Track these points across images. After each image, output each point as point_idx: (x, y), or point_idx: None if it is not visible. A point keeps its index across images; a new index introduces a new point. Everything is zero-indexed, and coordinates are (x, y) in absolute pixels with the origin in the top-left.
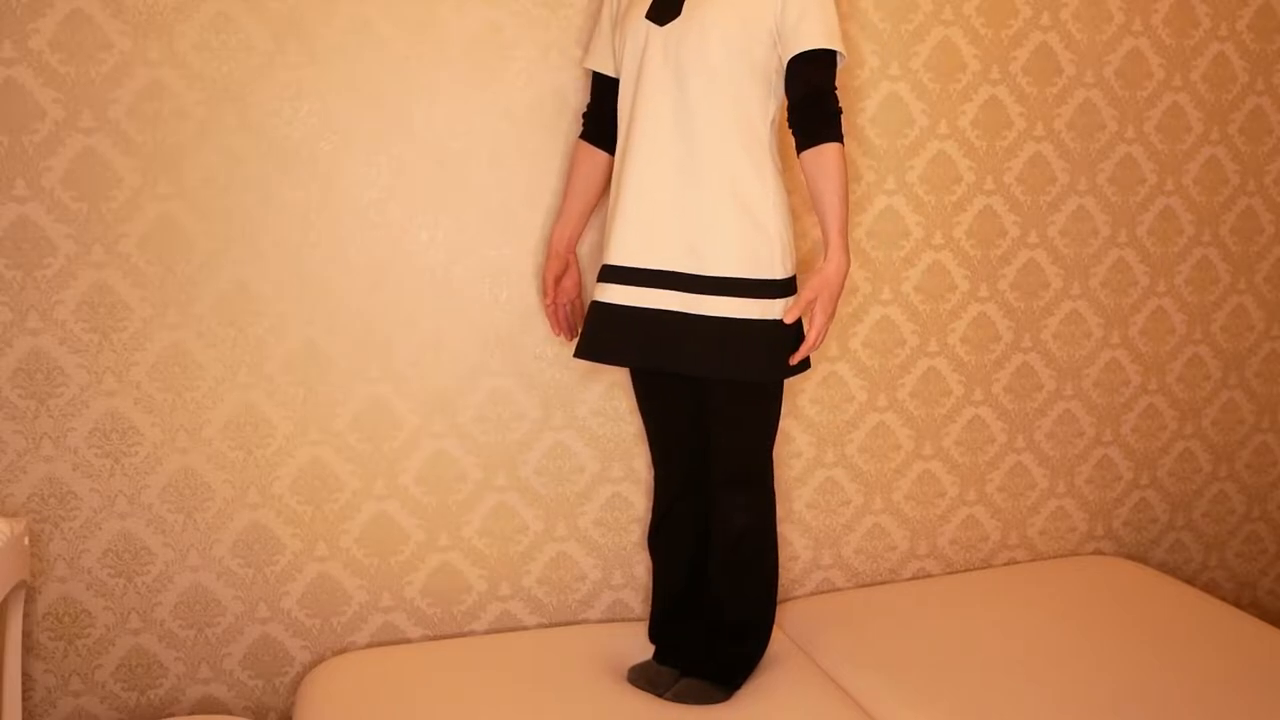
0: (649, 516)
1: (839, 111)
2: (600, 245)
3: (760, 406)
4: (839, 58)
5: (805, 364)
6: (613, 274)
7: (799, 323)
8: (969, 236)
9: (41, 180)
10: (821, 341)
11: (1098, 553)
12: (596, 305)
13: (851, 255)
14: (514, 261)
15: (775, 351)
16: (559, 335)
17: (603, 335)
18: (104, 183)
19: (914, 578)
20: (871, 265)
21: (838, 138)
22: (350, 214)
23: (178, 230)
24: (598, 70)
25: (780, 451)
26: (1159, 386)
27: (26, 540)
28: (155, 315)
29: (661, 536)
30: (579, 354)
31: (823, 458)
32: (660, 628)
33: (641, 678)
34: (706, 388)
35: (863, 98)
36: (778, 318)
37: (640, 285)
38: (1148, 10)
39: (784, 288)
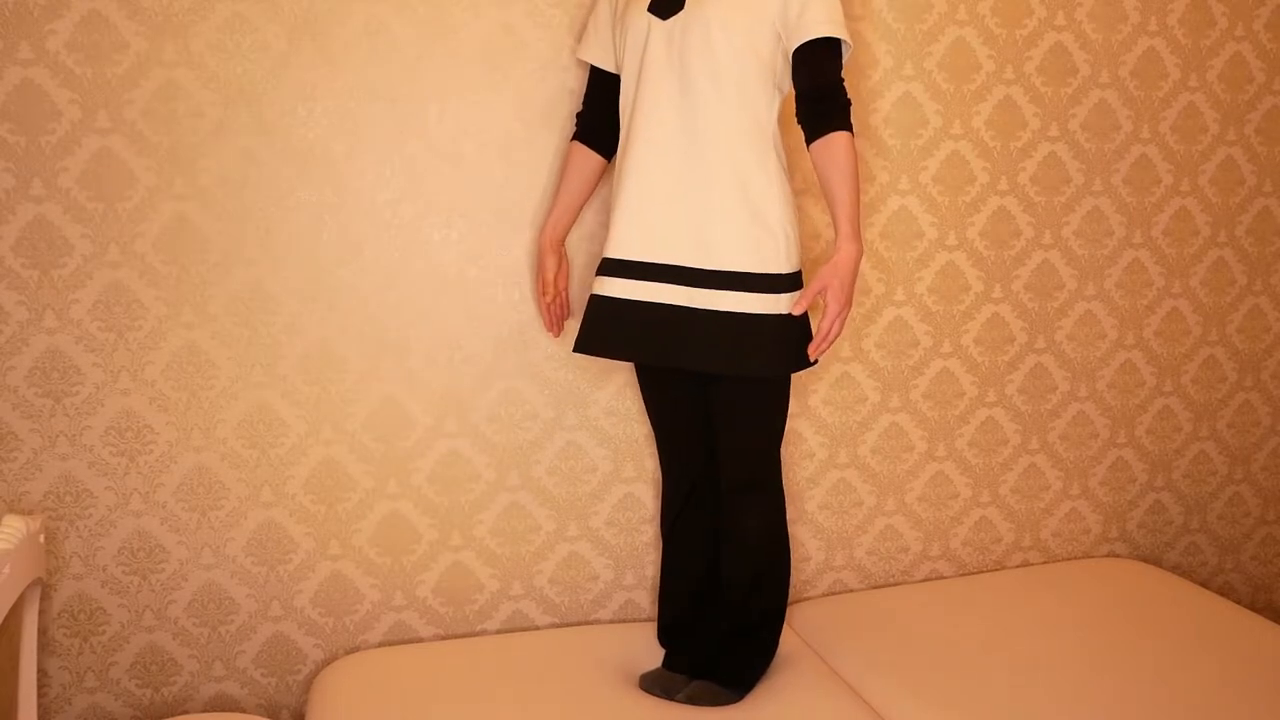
0: (659, 516)
1: (848, 102)
2: (589, 237)
3: (766, 405)
4: (845, 47)
5: (811, 360)
6: (614, 268)
7: (805, 320)
8: (983, 237)
9: (58, 180)
10: (838, 334)
11: (1112, 555)
12: (596, 299)
13: (865, 254)
14: (527, 262)
15: (781, 346)
16: (551, 331)
17: (603, 328)
18: (120, 182)
19: (926, 579)
20: (885, 266)
21: (846, 127)
22: (364, 214)
23: (193, 230)
24: (595, 64)
25: (792, 452)
26: (1174, 388)
27: (42, 538)
28: (170, 314)
29: (674, 541)
30: (579, 348)
31: (835, 459)
32: (670, 632)
33: (655, 685)
34: (713, 386)
35: (876, 98)
36: (783, 312)
37: (642, 279)
38: (1163, 10)
39: (790, 282)
